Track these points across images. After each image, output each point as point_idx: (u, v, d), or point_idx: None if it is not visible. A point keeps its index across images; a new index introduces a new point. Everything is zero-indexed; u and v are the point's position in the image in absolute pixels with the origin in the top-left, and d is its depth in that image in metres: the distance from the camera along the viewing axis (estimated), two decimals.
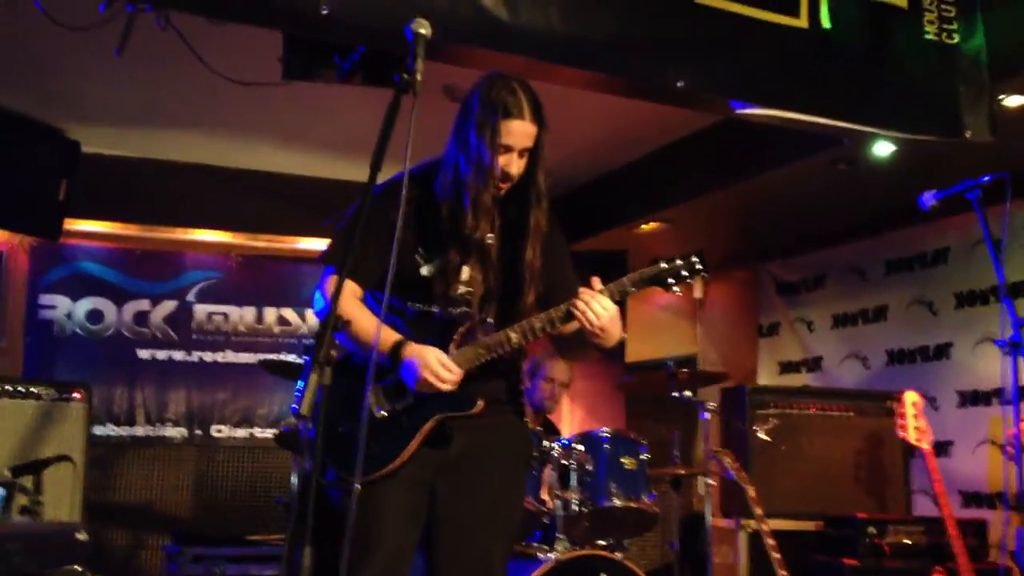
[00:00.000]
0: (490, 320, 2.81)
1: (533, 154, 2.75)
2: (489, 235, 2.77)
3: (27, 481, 4.28)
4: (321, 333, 2.15)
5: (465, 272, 2.76)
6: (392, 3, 3.13)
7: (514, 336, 2.70)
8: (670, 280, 2.73)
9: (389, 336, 2.68)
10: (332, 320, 2.16)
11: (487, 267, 2.79)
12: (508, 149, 2.69)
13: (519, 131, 2.68)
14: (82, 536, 2.73)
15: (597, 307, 2.65)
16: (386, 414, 2.71)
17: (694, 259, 2.74)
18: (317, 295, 2.79)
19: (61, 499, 4.53)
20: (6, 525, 3.28)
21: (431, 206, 2.76)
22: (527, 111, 2.69)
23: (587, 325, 2.66)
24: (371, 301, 2.83)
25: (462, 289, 2.76)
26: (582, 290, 2.69)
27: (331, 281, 2.77)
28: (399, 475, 2.69)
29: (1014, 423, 3.22)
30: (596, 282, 2.70)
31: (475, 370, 2.70)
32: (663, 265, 2.74)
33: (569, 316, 2.69)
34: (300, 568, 2.01)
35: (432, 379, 2.61)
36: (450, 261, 2.75)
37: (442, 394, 2.66)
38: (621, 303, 2.73)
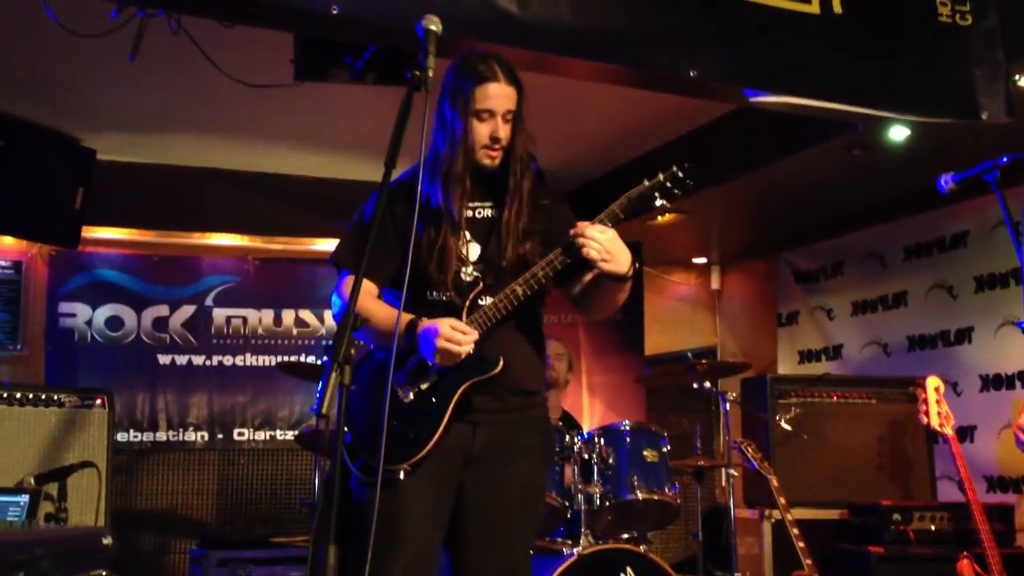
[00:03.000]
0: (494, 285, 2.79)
1: (515, 115, 2.73)
2: (479, 208, 2.77)
3: (52, 488, 4.30)
4: (340, 333, 2.15)
5: (472, 251, 2.77)
6: (402, 1, 3.13)
7: (519, 288, 2.68)
8: (657, 196, 2.71)
9: (402, 319, 2.66)
10: (350, 319, 2.16)
11: (484, 239, 2.78)
12: (491, 114, 2.69)
13: (497, 94, 2.68)
14: (107, 540, 2.74)
15: (593, 232, 2.62)
16: (413, 396, 2.70)
17: (676, 170, 2.72)
18: (334, 298, 2.80)
19: (86, 506, 4.55)
20: (31, 531, 3.30)
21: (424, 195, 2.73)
22: (501, 74, 2.69)
23: (591, 253, 2.62)
24: (389, 298, 2.83)
25: (470, 269, 2.76)
26: (574, 229, 2.66)
27: (347, 283, 2.78)
28: (425, 471, 2.67)
29: None
30: (582, 224, 2.68)
31: (498, 343, 2.69)
32: (646, 182, 2.73)
33: (568, 252, 2.65)
34: (325, 566, 2.01)
35: (448, 345, 2.59)
36: (447, 244, 2.73)
37: (462, 363, 2.65)
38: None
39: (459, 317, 2.69)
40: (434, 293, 2.76)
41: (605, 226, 2.66)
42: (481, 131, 2.71)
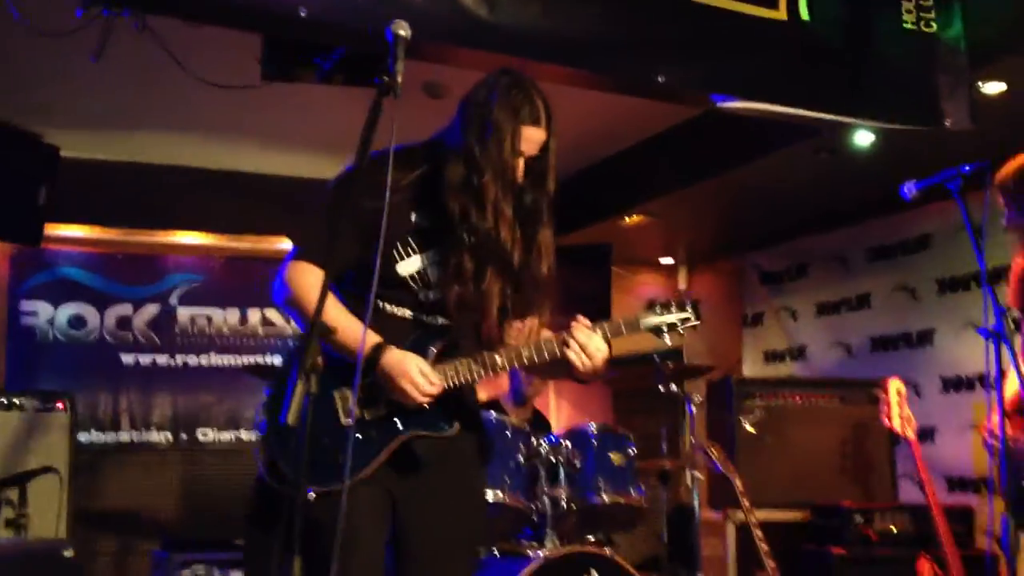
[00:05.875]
0: (471, 330, 2.68)
1: (542, 162, 2.67)
2: (508, 241, 2.64)
3: (12, 494, 4.26)
4: (307, 341, 2.11)
5: (483, 278, 2.63)
6: (370, 4, 3.12)
7: (499, 360, 2.60)
8: (666, 330, 2.70)
9: (368, 339, 2.50)
10: (317, 327, 2.14)
11: (505, 277, 2.65)
12: (520, 154, 2.62)
13: (532, 139, 2.63)
14: (68, 553, 2.71)
15: (592, 349, 2.56)
16: (352, 422, 2.54)
17: (688, 310, 2.71)
18: (276, 284, 2.66)
19: (47, 510, 4.51)
20: None
21: (437, 195, 2.62)
22: (543, 119, 2.64)
23: (579, 365, 2.57)
24: (339, 294, 2.65)
25: (459, 294, 2.62)
26: (576, 325, 2.59)
27: (291, 267, 2.64)
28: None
29: (998, 412, 3.21)
30: (582, 320, 2.60)
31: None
32: (659, 311, 2.70)
33: (560, 347, 2.58)
34: None
35: (411, 390, 2.50)
36: (463, 266, 2.60)
37: (417, 410, 2.56)
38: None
39: (418, 343, 2.60)
40: (389, 306, 2.65)
41: (605, 342, 2.59)
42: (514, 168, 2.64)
